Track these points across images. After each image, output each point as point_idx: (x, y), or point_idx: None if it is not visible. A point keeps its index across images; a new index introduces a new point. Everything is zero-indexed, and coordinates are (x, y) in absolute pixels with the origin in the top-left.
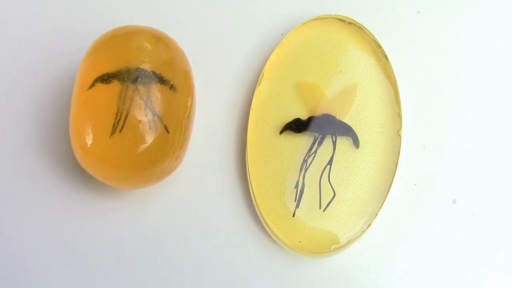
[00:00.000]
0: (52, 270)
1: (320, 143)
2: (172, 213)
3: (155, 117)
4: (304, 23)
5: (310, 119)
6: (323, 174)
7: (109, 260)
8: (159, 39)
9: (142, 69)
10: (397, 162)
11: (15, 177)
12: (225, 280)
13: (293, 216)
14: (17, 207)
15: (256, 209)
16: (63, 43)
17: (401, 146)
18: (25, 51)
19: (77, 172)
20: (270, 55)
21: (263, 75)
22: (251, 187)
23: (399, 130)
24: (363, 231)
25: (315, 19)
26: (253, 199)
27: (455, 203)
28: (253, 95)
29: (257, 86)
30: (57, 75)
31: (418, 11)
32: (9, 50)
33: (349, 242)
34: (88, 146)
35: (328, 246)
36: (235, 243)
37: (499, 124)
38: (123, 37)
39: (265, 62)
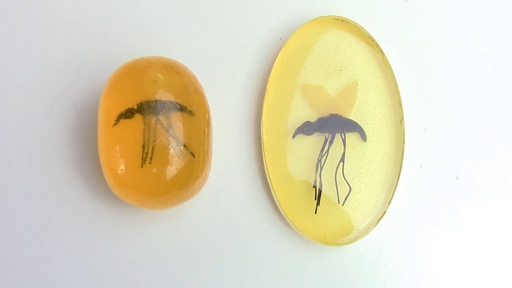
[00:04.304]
0: None
1: (331, 142)
2: (204, 223)
3: (180, 145)
4: (301, 27)
5: (318, 120)
6: (337, 171)
7: (149, 277)
8: (170, 68)
9: (160, 99)
10: (403, 150)
11: (50, 204)
12: (261, 275)
13: (315, 213)
14: (56, 234)
15: (281, 210)
16: (77, 74)
17: (405, 133)
18: (42, 82)
19: (109, 196)
20: (272, 61)
21: (269, 83)
22: (273, 191)
23: (401, 120)
24: (380, 218)
25: (310, 21)
26: (276, 201)
27: (458, 178)
28: (263, 104)
29: (265, 94)
30: (72, 103)
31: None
32: (26, 82)
33: (368, 229)
34: (122, 179)
35: (350, 236)
36: (266, 243)
37: (491, 101)
38: (136, 73)
39: (269, 69)
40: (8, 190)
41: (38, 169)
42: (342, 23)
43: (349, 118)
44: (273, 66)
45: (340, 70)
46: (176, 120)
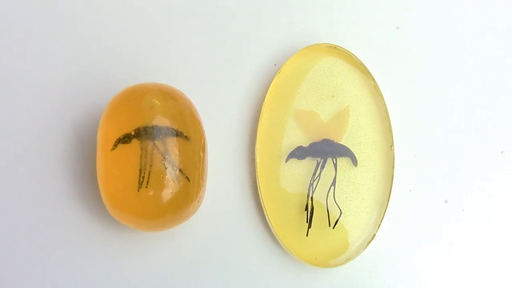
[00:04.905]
0: None
1: (322, 167)
2: (199, 245)
3: (176, 169)
4: (295, 54)
5: (311, 145)
6: (328, 194)
7: None
8: (166, 94)
9: (157, 125)
10: (393, 174)
11: (48, 224)
12: None
13: (307, 235)
14: (53, 255)
15: (274, 232)
16: (78, 98)
17: (395, 158)
18: (42, 105)
19: (106, 218)
20: (267, 87)
21: (263, 108)
22: (266, 214)
23: (391, 145)
24: (369, 241)
25: (304, 49)
26: (269, 224)
27: (446, 202)
28: (257, 129)
29: (259, 119)
30: (73, 126)
31: (396, 27)
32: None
33: (358, 252)
34: (119, 201)
35: (341, 258)
36: (259, 264)
37: (479, 128)
38: (134, 99)
39: (263, 94)
40: (6, 210)
41: (37, 189)
42: (335, 50)
43: (341, 143)
44: (268, 92)
45: (333, 96)
46: (172, 145)
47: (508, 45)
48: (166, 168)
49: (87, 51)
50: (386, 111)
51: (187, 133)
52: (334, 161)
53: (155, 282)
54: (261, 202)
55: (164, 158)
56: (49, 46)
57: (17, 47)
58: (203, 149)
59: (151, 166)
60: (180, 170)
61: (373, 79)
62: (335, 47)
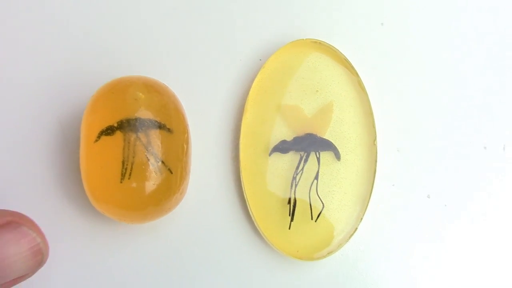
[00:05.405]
0: None
1: (305, 161)
2: (182, 238)
3: (158, 161)
4: (280, 49)
5: (294, 139)
6: (311, 188)
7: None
8: (150, 87)
9: (140, 117)
10: (375, 169)
11: (31, 216)
12: (236, 287)
13: (289, 228)
14: None
15: (256, 225)
16: (62, 91)
17: (377, 153)
18: (27, 98)
19: (89, 211)
20: (251, 82)
21: (247, 102)
22: (249, 207)
23: (374, 140)
24: (351, 234)
25: (289, 44)
26: (252, 217)
27: (429, 197)
28: (241, 123)
29: (244, 114)
30: (57, 119)
31: (381, 23)
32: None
33: (340, 245)
34: (101, 193)
35: (323, 252)
36: (241, 257)
37: (462, 123)
38: (118, 91)
39: (248, 89)
40: None
41: (19, 181)
42: (320, 46)
43: (324, 137)
44: (252, 86)
45: (317, 91)
46: (155, 137)
47: (492, 40)
48: (148, 160)
49: (72, 44)
50: (370, 106)
51: (170, 125)
52: (317, 155)
53: (138, 274)
54: (244, 196)
55: (147, 150)
56: (33, 38)
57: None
58: (187, 142)
59: (133, 157)
60: (162, 162)
61: (357, 75)
62: (320, 43)
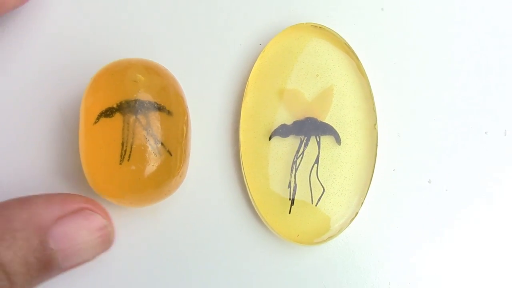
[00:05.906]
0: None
1: (306, 145)
2: (182, 221)
3: (158, 143)
4: (279, 33)
5: (294, 123)
6: (311, 172)
7: (133, 268)
8: (150, 69)
9: (139, 99)
10: (376, 153)
11: None
12: (235, 273)
13: (289, 213)
14: None
15: (256, 209)
16: (62, 75)
17: (378, 137)
18: (26, 81)
19: (89, 194)
20: (251, 66)
21: (247, 87)
22: (249, 190)
23: (375, 124)
24: (352, 219)
25: (289, 28)
26: (252, 201)
27: (430, 182)
28: (241, 107)
29: (243, 98)
30: (57, 106)
31: (382, 8)
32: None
33: (340, 230)
34: (101, 175)
35: (323, 236)
36: (241, 241)
37: (463, 108)
38: (118, 73)
39: (248, 73)
40: None
41: (19, 164)
42: (320, 30)
43: (325, 121)
44: (252, 71)
45: (317, 75)
46: (154, 119)
47: (493, 27)
48: (147, 141)
49: (71, 27)
50: (370, 90)
51: (170, 108)
52: (318, 139)
53: (137, 257)
54: (244, 179)
55: (146, 132)
56: (33, 21)
57: None
58: (186, 124)
59: (133, 139)
60: (162, 144)
61: (358, 59)
62: (320, 27)
